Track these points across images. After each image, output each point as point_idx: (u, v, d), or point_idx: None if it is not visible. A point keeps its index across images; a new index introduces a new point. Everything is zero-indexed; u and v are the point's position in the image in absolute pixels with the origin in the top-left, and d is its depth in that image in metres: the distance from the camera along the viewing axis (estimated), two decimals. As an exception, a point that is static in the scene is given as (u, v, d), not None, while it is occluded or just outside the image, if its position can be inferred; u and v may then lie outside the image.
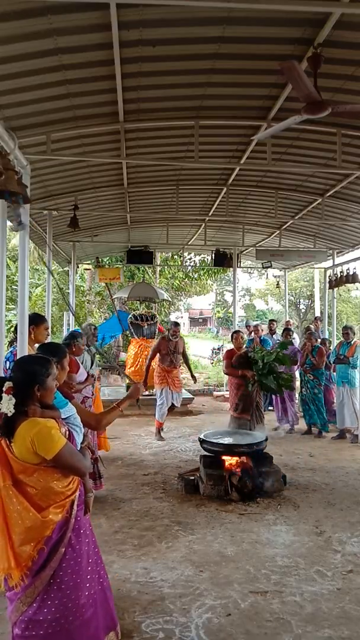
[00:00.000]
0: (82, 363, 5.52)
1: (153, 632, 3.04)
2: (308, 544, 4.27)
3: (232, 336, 7.15)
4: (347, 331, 8.28)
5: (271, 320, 12.54)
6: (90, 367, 5.83)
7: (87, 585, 2.42)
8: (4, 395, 2.34)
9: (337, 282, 10.47)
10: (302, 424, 8.77)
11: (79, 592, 2.36)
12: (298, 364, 8.76)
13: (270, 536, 4.41)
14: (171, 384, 8.25)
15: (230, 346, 7.28)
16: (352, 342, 8.13)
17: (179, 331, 8.33)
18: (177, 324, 8.61)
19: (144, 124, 5.83)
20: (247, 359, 6.65)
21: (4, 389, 2.35)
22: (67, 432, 2.51)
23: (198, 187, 8.69)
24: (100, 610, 2.51)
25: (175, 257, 17.93)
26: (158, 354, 8.32)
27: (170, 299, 17.24)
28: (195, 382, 9.48)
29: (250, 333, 11.25)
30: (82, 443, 2.73)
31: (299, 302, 30.81)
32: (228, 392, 7.76)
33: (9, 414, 2.32)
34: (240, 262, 12.95)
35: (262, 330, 11.28)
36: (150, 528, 4.58)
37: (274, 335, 11.39)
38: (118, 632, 2.71)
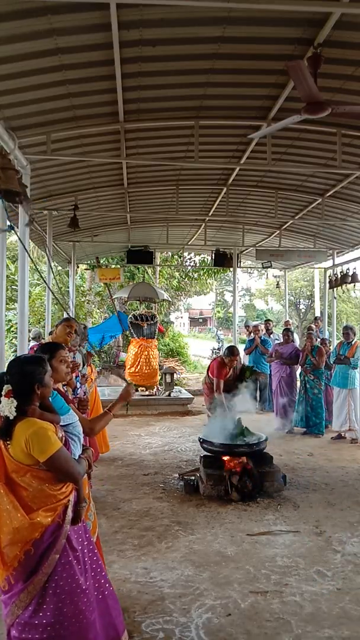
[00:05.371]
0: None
1: (153, 632, 3.04)
2: (308, 544, 4.27)
3: (230, 352, 6.59)
4: (347, 331, 8.24)
5: (267, 320, 12.55)
6: (83, 367, 5.83)
7: (85, 592, 2.39)
8: (4, 399, 2.34)
9: (336, 282, 10.47)
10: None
11: (75, 598, 2.34)
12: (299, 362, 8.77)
13: (270, 536, 4.40)
14: None
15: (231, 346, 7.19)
16: (353, 343, 8.11)
17: None
18: None
19: (144, 124, 5.83)
20: (231, 382, 6.56)
21: (3, 392, 2.35)
22: (64, 439, 2.50)
23: (198, 187, 8.69)
24: (99, 620, 2.46)
25: (175, 256, 17.95)
26: None
27: (170, 299, 17.23)
28: None
29: (249, 333, 11.26)
30: (82, 454, 2.72)
31: (299, 302, 30.85)
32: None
33: (12, 417, 2.32)
34: (240, 262, 12.95)
35: (262, 330, 11.29)
36: (150, 528, 4.57)
37: (271, 335, 11.41)
38: None
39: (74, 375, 5.18)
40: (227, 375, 6.56)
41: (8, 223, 4.63)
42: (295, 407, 8.70)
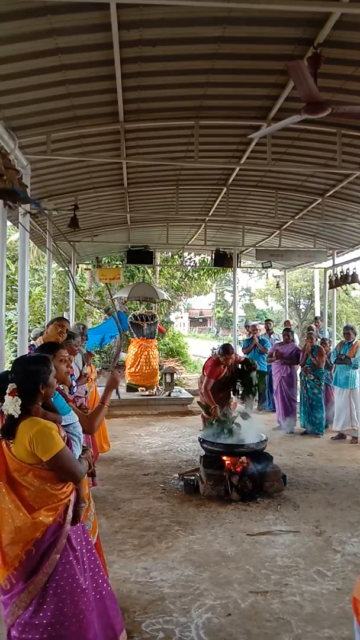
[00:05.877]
0: (74, 362, 5.50)
1: (153, 632, 3.04)
2: (308, 544, 4.27)
3: (224, 350, 6.44)
4: (348, 331, 8.25)
5: (267, 320, 12.55)
6: (83, 367, 5.83)
7: (85, 592, 2.39)
8: (8, 397, 2.35)
9: (337, 282, 10.47)
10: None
11: (75, 597, 2.34)
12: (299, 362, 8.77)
13: (270, 536, 4.41)
14: None
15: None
16: (353, 343, 8.11)
17: None
18: None
19: (144, 124, 5.83)
20: (228, 381, 6.54)
21: (7, 391, 2.36)
22: (66, 438, 2.51)
23: (198, 187, 8.69)
24: (97, 620, 2.47)
25: (175, 257, 17.94)
26: None
27: (170, 299, 17.22)
28: None
29: (249, 333, 11.27)
30: (82, 454, 2.72)
31: (299, 302, 30.84)
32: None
33: (16, 416, 2.33)
34: (240, 262, 12.94)
35: (261, 330, 11.30)
36: (150, 528, 4.58)
37: (271, 335, 11.40)
38: None
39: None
40: (222, 374, 6.50)
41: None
42: (300, 408, 8.72)
